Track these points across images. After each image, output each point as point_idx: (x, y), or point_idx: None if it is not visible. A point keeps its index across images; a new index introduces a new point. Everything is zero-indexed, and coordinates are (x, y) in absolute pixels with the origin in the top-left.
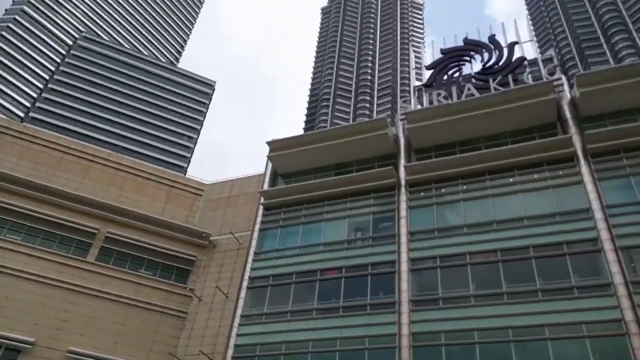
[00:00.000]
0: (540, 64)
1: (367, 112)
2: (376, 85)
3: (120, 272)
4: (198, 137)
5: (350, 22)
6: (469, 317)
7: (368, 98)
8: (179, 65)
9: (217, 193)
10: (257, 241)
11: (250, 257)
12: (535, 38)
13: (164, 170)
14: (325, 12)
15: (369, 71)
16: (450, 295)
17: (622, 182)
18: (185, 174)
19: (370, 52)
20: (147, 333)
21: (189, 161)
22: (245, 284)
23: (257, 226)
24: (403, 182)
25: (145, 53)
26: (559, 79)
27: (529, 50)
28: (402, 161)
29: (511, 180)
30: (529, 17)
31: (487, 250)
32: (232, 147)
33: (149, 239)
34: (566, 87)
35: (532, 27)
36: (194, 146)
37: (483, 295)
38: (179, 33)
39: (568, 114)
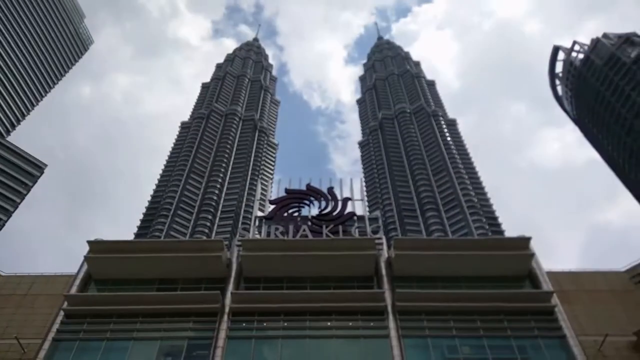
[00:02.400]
0: (367, 221)
1: (207, 231)
2: (220, 207)
3: None
4: (8, 220)
5: (208, 142)
6: None
7: (210, 217)
8: (11, 138)
9: (11, 288)
10: (47, 353)
11: None
12: (366, 198)
13: None
14: (184, 126)
15: (216, 192)
16: None
17: (422, 342)
18: None
19: (221, 175)
20: None
21: None
22: None
23: (52, 335)
24: (227, 309)
25: None
26: (380, 238)
27: (359, 207)
28: (231, 287)
29: (329, 324)
30: (363, 179)
31: None
32: (47, 240)
33: None
34: (385, 246)
35: (364, 188)
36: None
37: None
38: (18, 106)
39: (384, 271)
